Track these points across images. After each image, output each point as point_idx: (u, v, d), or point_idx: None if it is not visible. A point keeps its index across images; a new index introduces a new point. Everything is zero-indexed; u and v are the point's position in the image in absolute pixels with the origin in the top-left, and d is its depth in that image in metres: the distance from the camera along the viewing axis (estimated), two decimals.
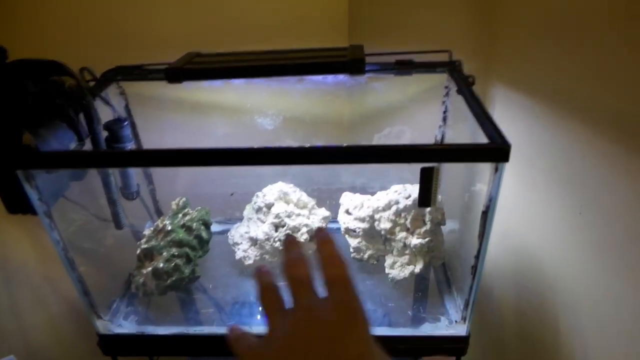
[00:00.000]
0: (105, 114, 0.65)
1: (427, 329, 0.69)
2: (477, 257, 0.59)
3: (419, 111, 0.79)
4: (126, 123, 0.67)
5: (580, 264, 0.58)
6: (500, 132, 0.50)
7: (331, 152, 0.51)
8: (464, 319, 0.67)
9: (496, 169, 0.51)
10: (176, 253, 0.74)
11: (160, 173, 0.86)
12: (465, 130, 0.67)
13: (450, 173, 0.67)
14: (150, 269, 0.73)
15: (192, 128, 0.82)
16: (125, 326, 0.71)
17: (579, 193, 0.57)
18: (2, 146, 0.50)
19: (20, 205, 0.56)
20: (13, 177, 0.52)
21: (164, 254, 0.73)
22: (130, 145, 0.68)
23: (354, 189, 0.82)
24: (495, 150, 0.48)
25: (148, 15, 0.77)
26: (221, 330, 0.70)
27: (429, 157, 0.49)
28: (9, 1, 0.74)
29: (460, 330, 0.68)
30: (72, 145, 0.58)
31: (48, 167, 0.53)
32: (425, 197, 0.54)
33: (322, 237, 0.40)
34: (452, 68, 0.67)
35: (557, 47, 0.58)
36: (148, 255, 0.74)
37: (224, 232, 0.87)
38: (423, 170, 0.51)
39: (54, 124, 0.55)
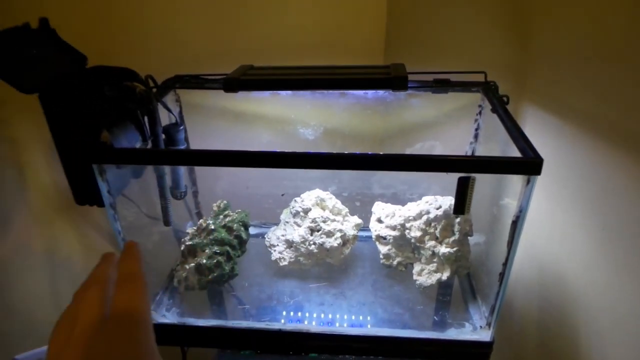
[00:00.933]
0: (161, 119, 0.71)
1: (452, 334, 0.73)
2: (505, 264, 0.62)
3: (452, 128, 0.84)
4: (182, 127, 0.73)
5: (603, 279, 0.60)
6: (533, 147, 0.54)
7: (374, 159, 0.56)
8: (488, 324, 0.71)
9: (528, 182, 0.55)
10: (218, 251, 0.79)
11: (202, 177, 0.91)
12: (495, 148, 0.71)
13: (476, 189, 0.71)
14: (193, 264, 0.78)
15: (237, 135, 0.88)
16: (168, 317, 0.76)
17: (603, 210, 0.60)
18: (83, 142, 0.56)
19: (89, 198, 0.62)
20: (87, 171, 0.58)
21: (207, 251, 0.78)
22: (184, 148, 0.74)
23: (384, 200, 0.87)
24: (529, 164, 0.53)
25: (202, 31, 0.83)
26: (257, 325, 0.74)
27: (468, 167, 0.53)
28: (87, 19, 0.82)
29: (485, 335, 0.71)
30: (138, 144, 0.64)
31: (121, 162, 0.59)
32: (461, 205, 0.58)
33: (129, 252, 0.38)
34: (487, 88, 0.72)
35: (588, 72, 0.62)
36: (192, 251, 0.79)
37: (258, 236, 0.93)
38: (460, 179, 0.56)
39: (124, 124, 0.61)
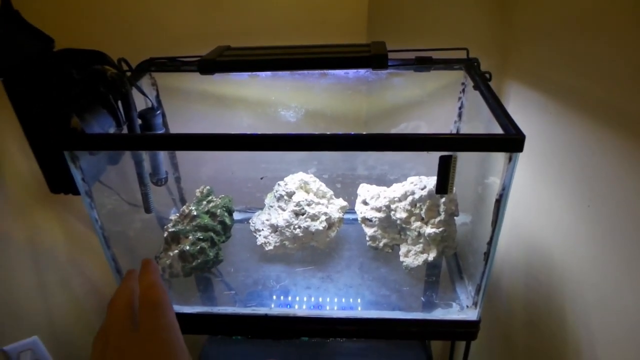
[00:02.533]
0: (137, 103, 0.69)
1: (439, 314, 0.72)
2: (489, 243, 0.62)
3: (435, 106, 0.82)
4: (158, 112, 0.71)
5: (588, 255, 0.60)
6: (515, 124, 0.53)
7: (357, 139, 0.54)
8: (474, 304, 0.71)
9: (510, 159, 0.54)
10: (201, 237, 0.77)
11: (184, 163, 0.90)
12: (479, 126, 0.70)
13: (462, 168, 0.70)
14: (177, 251, 0.76)
15: (218, 119, 0.86)
16: None
17: (588, 186, 0.60)
18: (52, 129, 0.54)
19: (63, 186, 0.61)
20: (59, 159, 0.56)
21: (190, 237, 0.77)
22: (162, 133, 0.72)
23: (370, 181, 0.86)
24: (511, 141, 0.51)
25: (178, 11, 0.81)
26: (243, 310, 0.73)
27: (449, 145, 0.52)
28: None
29: (471, 315, 0.71)
30: (111, 130, 0.62)
31: (93, 148, 0.57)
32: (443, 185, 0.57)
33: (147, 267, 0.46)
34: (469, 65, 0.70)
35: (570, 48, 0.61)
36: (175, 238, 0.78)
37: (243, 221, 0.91)
38: (442, 158, 0.55)
39: (96, 109, 0.59)
